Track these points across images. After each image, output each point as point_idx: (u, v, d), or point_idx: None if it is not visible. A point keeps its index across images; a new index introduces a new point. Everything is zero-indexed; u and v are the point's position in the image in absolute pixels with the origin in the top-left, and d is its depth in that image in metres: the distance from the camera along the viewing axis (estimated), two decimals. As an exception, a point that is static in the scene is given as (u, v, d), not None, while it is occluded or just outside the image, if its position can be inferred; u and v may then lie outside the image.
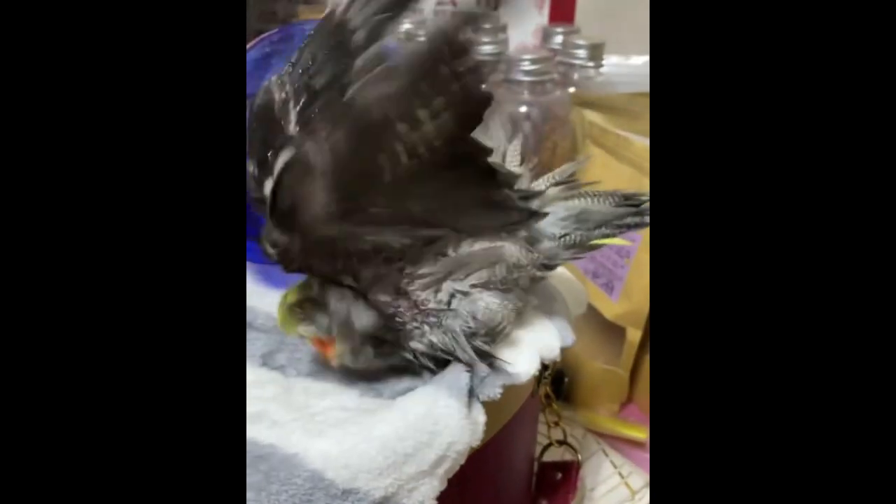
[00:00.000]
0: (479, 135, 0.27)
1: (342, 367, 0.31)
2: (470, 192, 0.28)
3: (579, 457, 0.46)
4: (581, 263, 0.53)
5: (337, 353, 0.30)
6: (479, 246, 0.30)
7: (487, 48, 0.61)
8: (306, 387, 0.30)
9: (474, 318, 0.30)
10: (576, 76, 0.62)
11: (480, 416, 0.29)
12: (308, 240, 0.27)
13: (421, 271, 0.29)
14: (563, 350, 0.33)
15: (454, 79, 0.24)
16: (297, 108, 0.30)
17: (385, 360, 0.31)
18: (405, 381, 0.31)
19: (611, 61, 0.63)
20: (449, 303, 0.30)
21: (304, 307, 0.31)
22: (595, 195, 0.32)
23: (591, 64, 0.61)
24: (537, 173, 0.34)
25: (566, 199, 0.32)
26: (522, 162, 0.34)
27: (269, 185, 0.26)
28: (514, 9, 0.72)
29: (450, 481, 0.28)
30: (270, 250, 0.28)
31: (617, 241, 0.33)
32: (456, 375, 0.29)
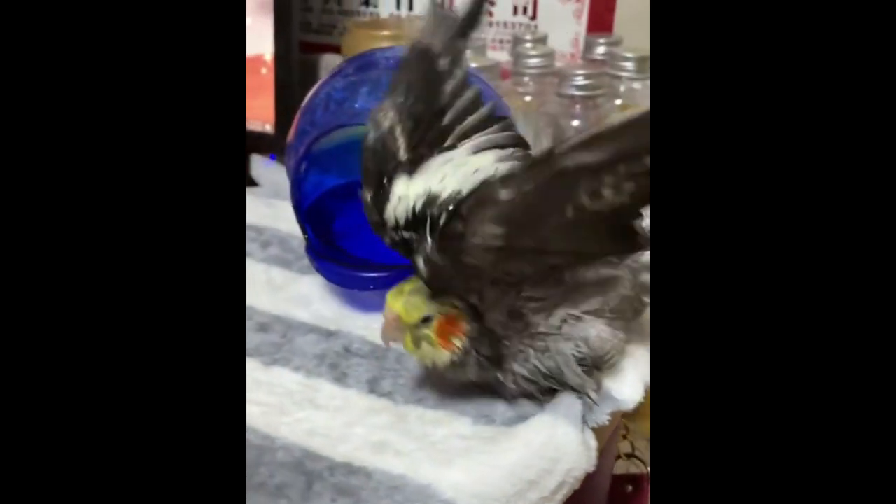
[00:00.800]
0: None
1: (446, 368, 0.31)
2: (600, 224, 0.28)
3: (647, 469, 0.47)
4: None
5: (464, 332, 0.30)
6: (594, 272, 0.30)
7: (534, 60, 0.62)
8: (419, 415, 0.31)
9: (586, 342, 0.30)
10: (622, 88, 0.62)
11: (592, 441, 0.30)
12: (460, 263, 0.28)
13: (537, 295, 0.30)
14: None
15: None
16: (405, 134, 0.32)
17: (482, 372, 0.32)
18: (514, 409, 0.31)
19: (654, 72, 0.63)
20: (559, 327, 0.30)
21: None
22: None
23: (638, 76, 0.62)
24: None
25: None
26: None
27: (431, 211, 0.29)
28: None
29: None
30: (423, 268, 0.29)
31: None
32: (569, 403, 0.30)
